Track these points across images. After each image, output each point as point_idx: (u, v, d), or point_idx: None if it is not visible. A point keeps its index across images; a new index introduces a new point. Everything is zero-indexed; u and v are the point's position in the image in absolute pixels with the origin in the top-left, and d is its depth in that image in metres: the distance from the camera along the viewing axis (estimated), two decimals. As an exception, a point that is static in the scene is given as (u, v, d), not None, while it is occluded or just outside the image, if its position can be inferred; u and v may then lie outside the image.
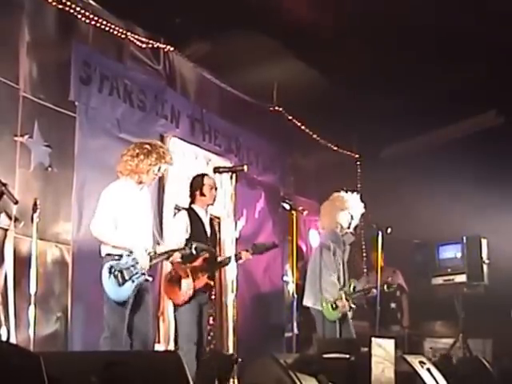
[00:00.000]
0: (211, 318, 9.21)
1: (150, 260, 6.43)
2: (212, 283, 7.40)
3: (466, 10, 8.71)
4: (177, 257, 6.97)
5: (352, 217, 8.44)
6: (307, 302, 8.36)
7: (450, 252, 10.62)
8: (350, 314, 8.44)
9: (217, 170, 6.84)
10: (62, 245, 7.42)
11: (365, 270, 11.37)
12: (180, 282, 7.13)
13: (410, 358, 7.16)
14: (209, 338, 9.10)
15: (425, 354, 9.53)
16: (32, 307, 6.17)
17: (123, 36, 8.33)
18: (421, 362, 7.17)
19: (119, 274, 6.23)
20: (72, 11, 7.68)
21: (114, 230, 6.36)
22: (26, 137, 7.02)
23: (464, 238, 10.38)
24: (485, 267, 10.27)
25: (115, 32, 8.21)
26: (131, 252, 6.31)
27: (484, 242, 10.30)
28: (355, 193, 8.69)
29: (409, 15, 8.91)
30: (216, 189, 7.55)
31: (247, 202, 10.20)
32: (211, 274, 7.34)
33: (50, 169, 7.23)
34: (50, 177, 7.28)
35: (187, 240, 7.19)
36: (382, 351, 6.40)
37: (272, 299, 10.54)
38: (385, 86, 10.24)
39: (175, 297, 7.24)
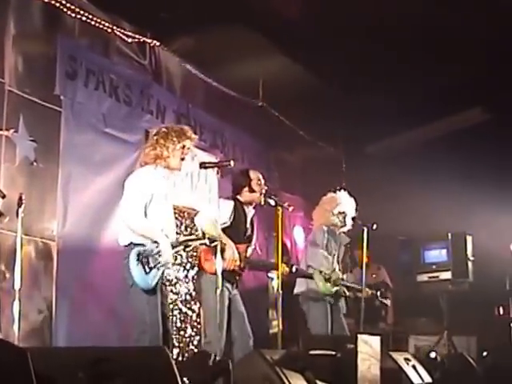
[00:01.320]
0: (195, 315, 9.18)
1: (172, 248, 6.28)
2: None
3: (452, 6, 8.69)
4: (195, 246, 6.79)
5: (344, 213, 8.39)
6: (298, 289, 8.32)
7: (436, 249, 10.62)
8: (344, 308, 8.43)
9: (203, 165, 6.73)
10: (47, 240, 7.37)
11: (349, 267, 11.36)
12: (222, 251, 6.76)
13: (395, 354, 7.17)
14: (193, 333, 9.09)
15: (409, 351, 9.56)
16: (17, 303, 6.09)
17: (109, 30, 8.28)
18: (406, 359, 7.20)
19: (145, 261, 6.04)
20: (58, 5, 7.61)
21: (144, 218, 6.14)
22: (11, 131, 6.91)
23: (449, 234, 10.37)
24: (470, 264, 10.27)
25: (101, 26, 8.15)
26: (157, 243, 6.12)
27: (469, 238, 10.30)
28: (342, 190, 8.65)
29: (395, 12, 8.90)
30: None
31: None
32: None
33: (35, 164, 7.13)
34: (35, 172, 7.22)
35: (228, 228, 7.04)
36: (368, 348, 6.39)
37: (257, 295, 10.50)
38: (370, 83, 10.27)
39: (209, 263, 7.02)
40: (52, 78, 7.56)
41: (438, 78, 10.22)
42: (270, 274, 10.57)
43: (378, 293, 8.61)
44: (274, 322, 10.43)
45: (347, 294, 8.38)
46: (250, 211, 7.46)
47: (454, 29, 9.08)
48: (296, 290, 8.35)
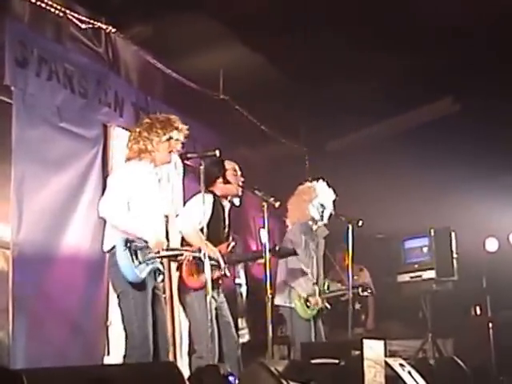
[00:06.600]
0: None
1: (167, 250, 5.73)
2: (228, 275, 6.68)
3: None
4: (187, 258, 6.13)
5: (323, 206, 7.83)
6: (278, 300, 7.72)
7: (417, 246, 10.02)
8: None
9: (184, 156, 6.11)
10: (1, 248, 6.69)
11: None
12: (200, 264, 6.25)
13: (390, 361, 6.72)
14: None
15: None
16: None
17: (62, 14, 7.52)
18: (401, 365, 6.73)
19: (134, 253, 5.50)
20: (5, -14, 6.87)
21: (127, 212, 5.63)
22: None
23: (432, 230, 9.81)
24: (454, 262, 9.72)
25: (53, 10, 7.39)
26: (145, 241, 5.58)
27: (453, 234, 9.76)
28: (321, 180, 8.09)
29: (358, 1, 8.52)
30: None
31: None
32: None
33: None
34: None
35: (208, 226, 6.42)
36: (374, 354, 5.92)
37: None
38: (333, 76, 9.75)
39: (192, 280, 6.49)
40: (0, 67, 6.77)
41: (405, 70, 9.77)
42: (237, 281, 10.00)
43: (360, 289, 8.06)
44: (243, 331, 9.88)
45: (328, 307, 7.84)
46: (226, 205, 6.97)
47: (422, 16, 8.68)
48: (276, 302, 7.73)
